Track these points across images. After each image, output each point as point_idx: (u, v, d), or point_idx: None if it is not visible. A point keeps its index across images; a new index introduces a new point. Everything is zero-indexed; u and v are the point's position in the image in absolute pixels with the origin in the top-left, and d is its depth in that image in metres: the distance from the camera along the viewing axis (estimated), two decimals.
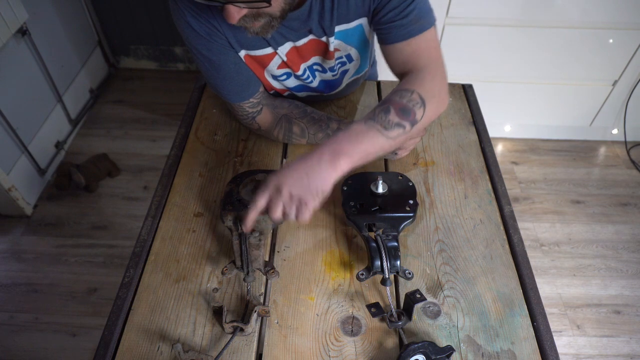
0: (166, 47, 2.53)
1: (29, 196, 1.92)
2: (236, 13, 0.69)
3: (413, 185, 0.86)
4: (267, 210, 0.72)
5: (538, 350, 0.70)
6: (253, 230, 0.76)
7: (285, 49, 0.89)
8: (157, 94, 2.49)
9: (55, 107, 2.11)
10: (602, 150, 2.22)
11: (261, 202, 0.71)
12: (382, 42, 0.86)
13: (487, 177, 0.95)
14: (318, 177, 0.70)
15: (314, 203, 0.71)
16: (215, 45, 0.84)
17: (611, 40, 1.82)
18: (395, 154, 0.96)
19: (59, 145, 2.12)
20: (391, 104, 0.77)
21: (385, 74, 1.30)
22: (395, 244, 0.75)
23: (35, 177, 1.98)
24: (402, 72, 0.86)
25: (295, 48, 0.89)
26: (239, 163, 0.98)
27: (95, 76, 2.47)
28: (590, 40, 1.83)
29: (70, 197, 1.99)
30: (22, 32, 1.83)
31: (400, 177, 0.87)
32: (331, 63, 0.94)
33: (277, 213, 0.71)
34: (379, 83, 1.17)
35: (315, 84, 1.00)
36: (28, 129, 1.92)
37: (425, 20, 0.81)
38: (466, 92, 1.15)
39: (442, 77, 0.84)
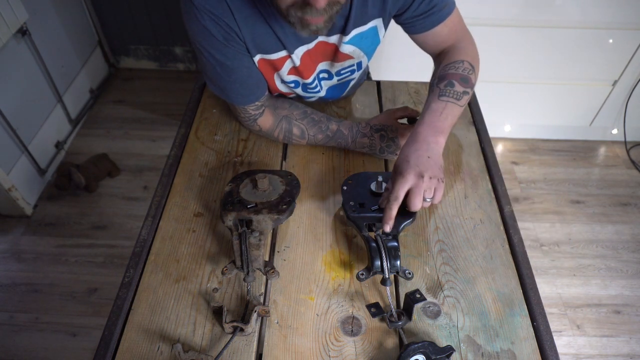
0: (166, 47, 2.53)
1: (29, 196, 1.92)
2: None
3: None
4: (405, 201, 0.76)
5: (538, 350, 0.70)
6: (253, 230, 0.76)
7: (300, 52, 0.89)
8: (157, 94, 2.49)
9: (56, 107, 2.11)
10: (602, 150, 2.22)
11: (402, 193, 0.75)
12: (415, 32, 0.92)
13: (487, 177, 0.95)
14: (437, 155, 0.78)
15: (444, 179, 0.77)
16: (231, 50, 0.84)
17: (611, 40, 1.82)
18: (396, 154, 0.96)
19: (59, 145, 2.12)
20: (451, 77, 0.87)
21: (375, 75, 1.30)
22: (395, 244, 0.75)
23: (35, 177, 1.98)
24: (440, 50, 0.95)
25: (308, 52, 0.90)
26: (239, 163, 0.98)
27: (95, 76, 2.47)
28: (590, 40, 1.83)
29: (70, 197, 1.99)
30: (22, 32, 1.83)
31: None
32: (338, 67, 0.94)
33: (419, 201, 0.75)
34: (378, 83, 1.17)
35: (322, 93, 1.02)
36: (28, 129, 1.92)
37: (451, 1, 0.90)
38: None
39: (473, 42, 0.96)
